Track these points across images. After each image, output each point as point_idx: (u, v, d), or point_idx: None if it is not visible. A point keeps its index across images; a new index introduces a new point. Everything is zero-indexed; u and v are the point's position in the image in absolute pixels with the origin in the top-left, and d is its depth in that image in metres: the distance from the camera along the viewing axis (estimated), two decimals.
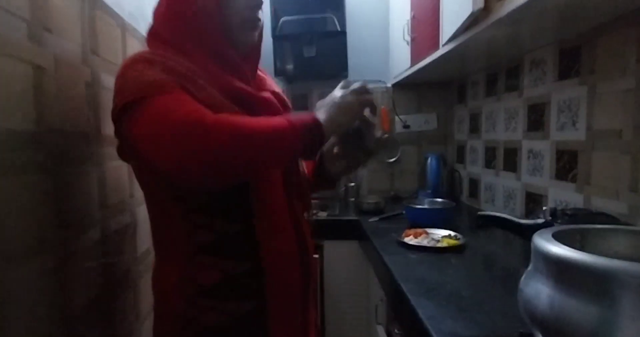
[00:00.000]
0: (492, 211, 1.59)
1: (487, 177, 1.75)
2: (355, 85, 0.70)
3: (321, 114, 0.66)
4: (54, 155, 0.70)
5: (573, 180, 1.17)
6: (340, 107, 0.67)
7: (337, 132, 0.71)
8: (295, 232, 0.73)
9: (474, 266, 1.06)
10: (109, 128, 0.92)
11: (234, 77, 0.70)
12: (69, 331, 0.73)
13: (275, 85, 0.84)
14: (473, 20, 1.13)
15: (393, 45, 2.05)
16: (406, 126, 2.19)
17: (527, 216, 1.31)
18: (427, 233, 1.30)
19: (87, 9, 0.84)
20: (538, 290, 0.48)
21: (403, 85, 2.13)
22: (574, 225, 0.57)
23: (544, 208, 0.66)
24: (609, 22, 1.02)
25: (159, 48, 0.69)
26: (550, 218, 0.63)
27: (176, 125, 0.56)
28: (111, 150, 0.93)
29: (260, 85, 0.79)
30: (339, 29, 1.93)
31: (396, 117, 2.17)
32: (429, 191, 1.98)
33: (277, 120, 0.62)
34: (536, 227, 0.56)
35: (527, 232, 0.54)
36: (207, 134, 0.56)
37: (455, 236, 1.26)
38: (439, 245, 1.20)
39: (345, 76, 2.08)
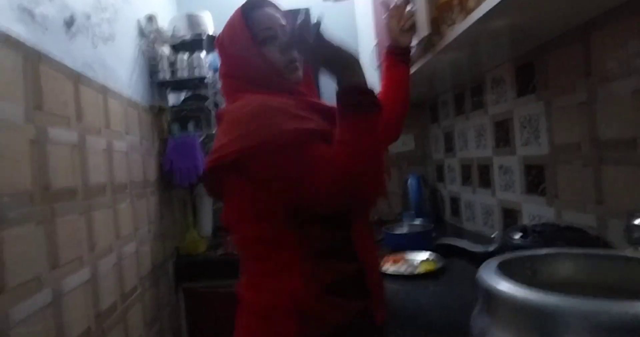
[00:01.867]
0: (473, 228, 1.57)
1: (465, 194, 1.74)
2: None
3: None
4: None
5: (543, 194, 1.16)
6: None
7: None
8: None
9: (450, 291, 1.03)
10: (59, 182, 0.89)
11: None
12: None
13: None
14: (427, 46, 1.16)
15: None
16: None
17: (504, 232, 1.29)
18: (405, 259, 1.27)
19: (29, 67, 0.83)
20: (483, 327, 0.46)
21: None
22: (521, 252, 0.55)
23: (492, 235, 0.64)
24: (555, 39, 1.04)
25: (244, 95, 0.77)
26: (497, 246, 0.62)
27: (337, 175, 0.66)
28: (62, 205, 0.90)
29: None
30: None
31: None
32: (412, 212, 1.96)
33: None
34: (487, 256, 0.55)
35: (479, 261, 0.52)
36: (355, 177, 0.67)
37: (433, 259, 1.24)
38: (416, 271, 1.17)
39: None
